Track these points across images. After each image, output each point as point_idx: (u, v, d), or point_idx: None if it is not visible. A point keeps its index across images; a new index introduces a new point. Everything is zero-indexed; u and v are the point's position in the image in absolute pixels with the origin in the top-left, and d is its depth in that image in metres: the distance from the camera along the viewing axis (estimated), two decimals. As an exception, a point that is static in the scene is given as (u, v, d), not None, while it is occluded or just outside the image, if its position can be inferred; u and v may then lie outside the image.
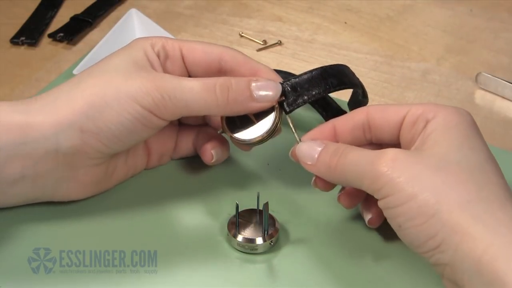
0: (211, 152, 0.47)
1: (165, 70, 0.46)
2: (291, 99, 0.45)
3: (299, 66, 0.64)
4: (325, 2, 0.74)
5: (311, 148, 0.43)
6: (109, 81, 0.43)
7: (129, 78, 0.43)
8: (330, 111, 0.55)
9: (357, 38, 0.68)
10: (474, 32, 0.70)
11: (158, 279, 0.42)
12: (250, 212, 0.46)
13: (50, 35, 0.67)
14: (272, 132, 0.45)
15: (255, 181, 0.50)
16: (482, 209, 0.36)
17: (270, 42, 0.67)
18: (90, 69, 0.45)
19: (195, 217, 0.47)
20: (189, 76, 0.47)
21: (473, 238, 0.36)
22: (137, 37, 0.64)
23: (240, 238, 0.44)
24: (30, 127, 0.42)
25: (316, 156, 0.43)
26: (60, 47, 0.66)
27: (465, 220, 0.36)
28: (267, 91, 0.44)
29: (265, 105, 0.44)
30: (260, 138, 0.45)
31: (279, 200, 0.48)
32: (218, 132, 0.47)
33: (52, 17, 0.70)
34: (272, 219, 0.45)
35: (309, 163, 0.43)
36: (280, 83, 0.45)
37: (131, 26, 0.65)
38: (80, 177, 0.45)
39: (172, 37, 0.63)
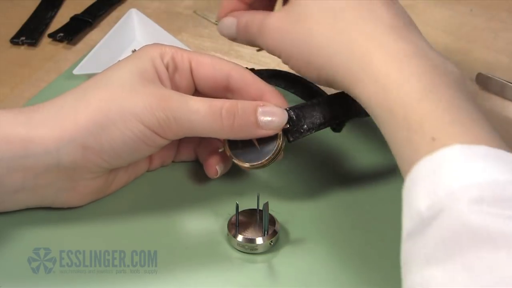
0: (215, 168, 0.47)
1: (173, 83, 0.46)
2: (295, 128, 0.45)
3: (299, 66, 0.63)
4: (325, 2, 0.74)
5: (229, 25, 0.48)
6: (115, 96, 0.42)
7: (135, 94, 0.42)
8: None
9: (357, 38, 0.68)
10: (474, 32, 0.70)
11: (158, 279, 0.42)
12: (250, 212, 0.46)
13: (50, 35, 0.67)
14: (273, 159, 0.45)
15: (255, 181, 0.50)
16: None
17: (270, 42, 0.67)
18: (97, 78, 0.44)
19: (195, 217, 0.47)
20: (196, 89, 0.47)
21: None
22: (137, 37, 0.65)
23: (240, 238, 0.44)
24: (32, 140, 0.41)
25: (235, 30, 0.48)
26: (60, 47, 0.66)
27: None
28: (273, 118, 0.44)
29: (270, 132, 0.44)
30: (261, 164, 0.45)
31: (279, 200, 0.48)
32: (220, 150, 0.46)
33: (52, 17, 0.70)
34: (272, 219, 0.45)
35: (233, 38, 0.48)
36: (286, 109, 0.45)
37: (131, 26, 0.65)
38: (80, 188, 0.45)
39: (172, 36, 0.63)
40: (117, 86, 0.43)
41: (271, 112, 0.44)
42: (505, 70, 0.64)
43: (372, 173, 0.51)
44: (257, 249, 0.44)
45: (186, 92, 0.46)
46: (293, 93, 0.55)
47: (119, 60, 0.46)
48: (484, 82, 0.60)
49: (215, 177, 0.47)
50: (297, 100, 0.56)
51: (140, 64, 0.44)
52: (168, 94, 0.43)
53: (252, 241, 0.44)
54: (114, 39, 0.63)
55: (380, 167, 0.51)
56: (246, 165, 0.45)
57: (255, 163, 0.45)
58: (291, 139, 0.45)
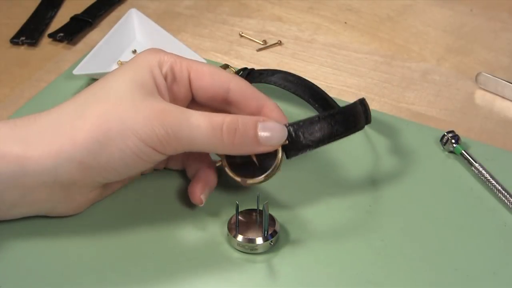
0: (200, 198, 0.46)
1: (171, 93, 0.45)
2: (294, 145, 0.44)
3: (299, 66, 0.64)
4: (325, 2, 0.74)
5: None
6: (114, 112, 0.41)
7: (135, 110, 0.41)
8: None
9: (357, 38, 0.68)
10: (474, 32, 0.70)
11: (158, 279, 0.42)
12: (250, 212, 0.46)
13: (50, 35, 0.67)
14: (271, 176, 0.45)
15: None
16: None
17: (270, 42, 0.67)
18: (94, 90, 0.43)
19: (195, 217, 0.47)
20: (193, 99, 0.47)
21: None
22: (137, 37, 0.65)
23: (240, 238, 0.44)
24: (29, 158, 0.40)
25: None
26: (60, 47, 0.66)
27: None
28: (272, 134, 0.43)
29: (269, 149, 0.44)
30: (258, 181, 0.44)
31: (279, 200, 0.48)
32: (217, 165, 0.45)
33: (52, 17, 0.70)
34: (272, 219, 0.45)
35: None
36: (285, 125, 0.44)
37: (131, 26, 0.65)
38: (76, 200, 0.44)
39: (172, 36, 0.63)
40: (116, 101, 0.42)
41: (271, 128, 0.43)
42: (505, 70, 0.64)
43: (371, 173, 0.51)
44: (257, 249, 0.44)
45: (183, 101, 0.46)
46: (293, 93, 0.55)
47: (118, 67, 0.45)
48: (484, 82, 0.60)
49: (201, 205, 0.46)
50: (297, 100, 0.56)
51: (139, 74, 0.43)
52: (168, 109, 0.42)
53: (252, 241, 0.44)
54: (114, 39, 0.63)
55: (379, 168, 0.51)
56: (244, 181, 0.45)
57: (253, 180, 0.44)
58: (289, 155, 0.45)
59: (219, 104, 0.47)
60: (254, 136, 0.43)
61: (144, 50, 0.46)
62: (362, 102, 0.49)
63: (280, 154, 0.44)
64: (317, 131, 0.44)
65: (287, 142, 0.44)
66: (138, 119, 0.41)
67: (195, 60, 0.47)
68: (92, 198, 0.46)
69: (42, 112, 0.43)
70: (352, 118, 0.46)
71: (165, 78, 0.45)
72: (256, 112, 0.46)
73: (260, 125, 0.43)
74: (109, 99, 0.42)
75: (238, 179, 0.45)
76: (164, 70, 0.45)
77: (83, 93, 0.43)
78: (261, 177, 0.44)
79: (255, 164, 0.45)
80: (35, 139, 0.41)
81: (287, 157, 0.45)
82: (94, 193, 0.45)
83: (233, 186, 0.49)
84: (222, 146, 0.43)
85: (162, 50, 0.46)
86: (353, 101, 0.48)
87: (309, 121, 0.44)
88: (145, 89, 0.43)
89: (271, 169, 0.44)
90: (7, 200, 0.42)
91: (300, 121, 0.45)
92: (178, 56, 0.46)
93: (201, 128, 0.42)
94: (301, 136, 0.44)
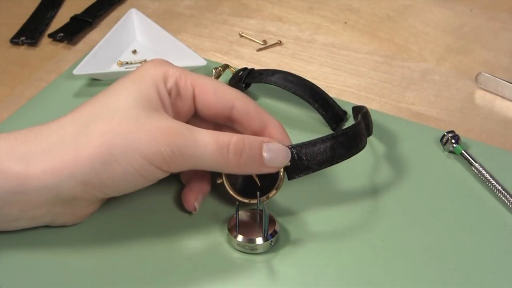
0: (194, 205, 0.46)
1: (174, 108, 0.45)
2: (296, 167, 0.44)
3: (299, 66, 0.64)
4: (325, 2, 0.74)
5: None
6: (118, 130, 0.40)
7: (140, 128, 0.40)
8: (331, 111, 0.55)
9: (357, 38, 0.68)
10: (474, 32, 0.70)
11: (159, 280, 0.42)
12: (250, 212, 0.46)
13: (50, 35, 0.67)
14: (272, 197, 0.45)
15: (255, 181, 0.50)
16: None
17: (270, 42, 0.67)
18: (98, 104, 0.42)
19: (195, 217, 0.47)
20: (195, 113, 0.46)
21: None
22: (137, 37, 0.65)
23: (240, 238, 0.44)
24: (30, 176, 0.40)
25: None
26: (60, 47, 0.66)
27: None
28: (277, 157, 0.43)
29: (273, 170, 0.43)
30: (260, 201, 0.44)
31: (279, 200, 0.48)
32: (218, 182, 0.45)
33: (52, 17, 0.70)
34: (272, 219, 0.45)
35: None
36: (288, 147, 0.44)
37: (131, 26, 0.65)
38: (75, 214, 0.44)
39: (172, 36, 0.63)
40: (121, 118, 0.41)
41: (275, 150, 0.43)
42: (505, 70, 0.64)
43: (371, 173, 0.51)
44: (257, 249, 0.44)
45: (186, 116, 0.46)
46: (293, 93, 0.55)
47: (121, 79, 0.43)
48: (484, 82, 0.60)
49: (195, 212, 0.46)
50: (297, 100, 0.56)
51: (144, 89, 0.43)
52: (174, 127, 0.41)
53: (252, 241, 0.44)
54: (114, 39, 0.63)
55: (379, 168, 0.51)
56: (245, 200, 0.45)
57: (254, 199, 0.45)
58: (290, 177, 0.45)
59: (222, 121, 0.47)
60: (260, 157, 0.43)
61: (149, 62, 0.45)
62: (364, 115, 0.49)
63: (282, 175, 0.44)
64: (319, 154, 0.44)
65: (289, 163, 0.44)
66: (143, 138, 0.40)
67: (200, 75, 0.46)
68: (90, 211, 0.45)
69: (42, 126, 0.42)
70: (354, 139, 0.46)
71: (169, 93, 0.44)
72: (260, 131, 0.46)
73: (264, 146, 0.43)
74: (113, 116, 0.41)
75: (239, 198, 0.45)
76: (168, 85, 0.44)
77: (85, 108, 0.43)
78: (263, 197, 0.44)
79: (256, 183, 0.45)
80: (37, 156, 0.40)
81: (289, 179, 0.45)
82: (92, 207, 0.45)
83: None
84: (227, 166, 0.42)
85: (167, 62, 0.46)
86: (357, 120, 0.47)
87: (312, 143, 0.44)
88: (149, 105, 0.42)
89: (273, 191, 0.44)
90: (7, 214, 0.41)
91: (303, 143, 0.44)
92: (183, 70, 0.46)
93: (208, 147, 0.41)
94: (304, 158, 0.44)
